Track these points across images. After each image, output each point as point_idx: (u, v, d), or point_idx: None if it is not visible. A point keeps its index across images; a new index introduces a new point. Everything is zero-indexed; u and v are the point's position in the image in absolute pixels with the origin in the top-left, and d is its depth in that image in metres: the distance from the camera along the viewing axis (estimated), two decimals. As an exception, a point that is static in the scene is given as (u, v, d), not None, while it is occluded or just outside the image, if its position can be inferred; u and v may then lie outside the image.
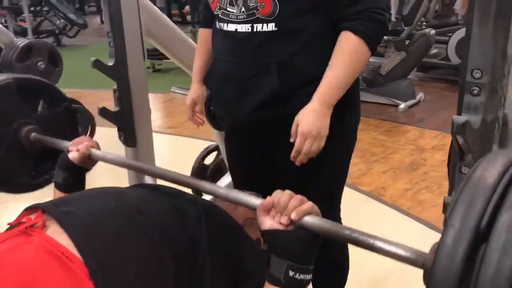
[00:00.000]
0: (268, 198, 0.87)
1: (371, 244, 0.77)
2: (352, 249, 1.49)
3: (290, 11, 1.12)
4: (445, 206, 0.90)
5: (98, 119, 3.26)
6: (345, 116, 1.24)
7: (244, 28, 1.17)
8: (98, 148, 1.25)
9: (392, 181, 2.92)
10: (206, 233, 0.97)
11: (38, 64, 2.77)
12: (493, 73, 0.84)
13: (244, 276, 0.98)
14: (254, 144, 1.28)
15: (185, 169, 2.31)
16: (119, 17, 1.49)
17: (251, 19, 1.15)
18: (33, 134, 1.40)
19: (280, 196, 0.86)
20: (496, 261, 0.50)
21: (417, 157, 3.28)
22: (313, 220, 0.83)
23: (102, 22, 11.15)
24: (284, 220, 0.83)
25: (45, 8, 8.45)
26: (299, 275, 0.82)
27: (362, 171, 3.03)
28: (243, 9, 1.15)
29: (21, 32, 7.30)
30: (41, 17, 8.55)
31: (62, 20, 8.35)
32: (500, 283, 0.50)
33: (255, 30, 1.15)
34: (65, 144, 1.28)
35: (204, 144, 2.54)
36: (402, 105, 4.28)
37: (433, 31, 4.48)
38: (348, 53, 1.12)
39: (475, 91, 0.85)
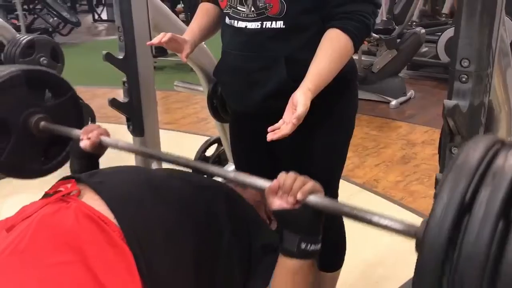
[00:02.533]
0: (275, 181, 0.97)
1: (369, 219, 0.87)
2: (349, 233, 1.59)
3: (296, 11, 1.22)
4: (437, 181, 1.00)
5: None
6: (345, 104, 1.35)
7: (254, 25, 1.25)
8: (108, 135, 1.30)
9: (384, 174, 3.03)
10: (225, 209, 1.07)
11: (41, 60, 2.83)
12: (479, 62, 0.94)
13: (262, 252, 1.06)
14: (260, 132, 1.37)
15: (186, 161, 2.40)
16: (129, 12, 1.58)
17: (261, 17, 1.24)
18: (42, 123, 1.44)
19: (285, 178, 0.95)
20: (477, 228, 0.59)
21: (408, 151, 3.39)
22: (316, 199, 0.93)
23: (94, 20, 11.17)
24: (290, 200, 0.93)
25: (38, 6, 8.47)
26: (310, 246, 0.93)
27: (355, 164, 3.13)
28: (252, 9, 1.24)
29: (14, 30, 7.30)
30: (34, 15, 8.55)
31: (55, 18, 8.36)
32: (481, 245, 0.59)
33: (264, 27, 1.24)
34: (76, 132, 1.32)
35: (201, 139, 2.63)
36: (393, 102, 4.40)
37: (423, 30, 4.60)
38: (338, 49, 1.20)
39: (463, 79, 0.95)
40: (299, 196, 0.92)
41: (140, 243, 0.91)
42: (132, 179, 1.09)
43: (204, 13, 1.46)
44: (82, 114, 1.61)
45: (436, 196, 0.65)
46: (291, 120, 1.09)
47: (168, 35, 1.28)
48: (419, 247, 0.71)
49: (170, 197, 1.04)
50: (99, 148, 1.28)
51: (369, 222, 0.86)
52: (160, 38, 1.28)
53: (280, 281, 0.97)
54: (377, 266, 2.09)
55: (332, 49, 1.20)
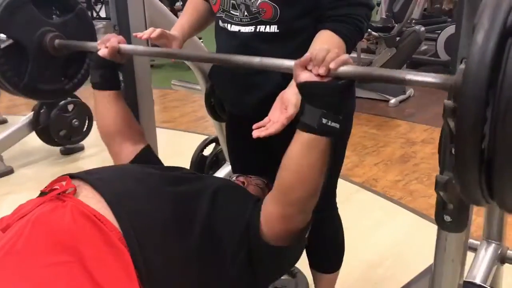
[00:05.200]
0: (307, 53, 0.93)
1: (403, 78, 0.84)
2: (348, 234, 1.58)
3: (290, 15, 1.20)
4: (437, 183, 0.98)
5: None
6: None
7: (247, 29, 1.23)
8: (125, 42, 1.29)
9: (383, 173, 3.01)
10: (223, 206, 1.06)
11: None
12: (480, 62, 0.92)
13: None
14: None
15: (184, 160, 2.38)
16: (125, 11, 1.55)
17: (255, 22, 1.22)
18: (57, 41, 1.41)
19: (318, 50, 0.91)
20: None
21: (407, 150, 3.38)
22: (349, 69, 0.90)
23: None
24: (322, 71, 0.89)
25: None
26: (331, 122, 0.90)
27: (354, 163, 3.11)
28: (246, 13, 1.22)
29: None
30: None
31: (53, 16, 8.33)
32: None
33: (258, 30, 1.22)
34: (92, 44, 1.31)
35: (199, 137, 2.62)
36: (393, 100, 4.39)
37: (423, 28, 4.58)
38: None
39: (464, 78, 0.93)
40: (332, 65, 0.88)
41: (138, 241, 0.89)
42: (131, 175, 1.08)
43: (193, 7, 1.43)
44: (93, 27, 1.58)
45: (476, 24, 0.62)
46: (281, 120, 1.07)
47: (158, 30, 1.27)
48: (458, 90, 0.67)
49: (169, 194, 1.03)
50: (118, 56, 1.28)
51: (403, 82, 0.84)
52: (149, 33, 1.26)
53: (293, 153, 0.94)
54: (377, 267, 2.07)
55: None
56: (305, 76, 0.91)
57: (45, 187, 1.02)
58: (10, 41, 1.37)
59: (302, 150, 0.93)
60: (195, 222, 1.00)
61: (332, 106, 0.90)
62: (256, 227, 1.01)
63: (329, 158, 0.95)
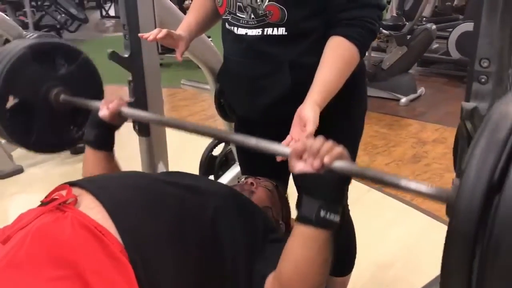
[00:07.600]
0: (301, 142, 0.92)
1: (397, 183, 0.83)
2: (359, 236, 1.55)
3: (297, 17, 1.17)
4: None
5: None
6: (355, 104, 1.30)
7: (255, 32, 1.21)
8: (126, 106, 1.29)
9: (394, 173, 2.97)
10: (230, 216, 1.03)
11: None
12: (500, 63, 0.89)
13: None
14: (265, 136, 1.34)
15: (194, 160, 2.37)
16: (135, 10, 1.53)
17: (262, 24, 1.19)
18: (62, 96, 1.42)
19: (313, 141, 0.90)
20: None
21: (418, 149, 3.34)
22: (343, 164, 0.88)
23: (102, 17, 11.16)
24: (316, 163, 0.88)
25: (46, 3, 8.47)
26: (329, 214, 0.87)
27: (365, 163, 3.08)
28: (252, 16, 1.20)
29: (22, 27, 7.29)
30: (42, 11, 8.54)
31: (63, 15, 8.35)
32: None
33: (265, 33, 1.20)
34: (95, 103, 1.32)
35: (208, 138, 2.59)
36: (404, 99, 4.34)
37: (434, 26, 4.52)
38: (344, 59, 1.15)
39: (483, 79, 0.90)
40: (326, 159, 0.87)
41: (141, 254, 0.87)
42: (134, 184, 1.05)
43: (200, 4, 1.41)
44: (98, 76, 1.59)
45: (461, 172, 0.61)
46: (302, 139, 1.05)
47: (164, 31, 1.25)
48: (450, 211, 0.65)
49: (175, 204, 1.00)
50: (118, 118, 1.28)
51: (397, 187, 0.83)
52: (155, 34, 1.24)
53: (292, 245, 0.91)
54: (388, 269, 2.05)
55: (337, 59, 1.15)
56: (300, 167, 0.90)
57: (45, 197, 1.00)
58: (16, 100, 1.37)
59: (301, 243, 0.90)
60: (197, 234, 0.98)
61: (329, 198, 0.88)
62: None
63: (330, 253, 0.91)
